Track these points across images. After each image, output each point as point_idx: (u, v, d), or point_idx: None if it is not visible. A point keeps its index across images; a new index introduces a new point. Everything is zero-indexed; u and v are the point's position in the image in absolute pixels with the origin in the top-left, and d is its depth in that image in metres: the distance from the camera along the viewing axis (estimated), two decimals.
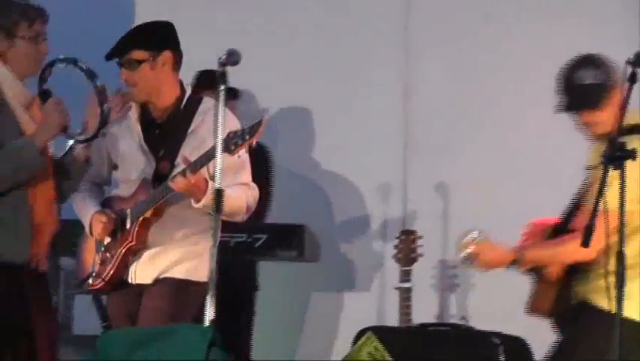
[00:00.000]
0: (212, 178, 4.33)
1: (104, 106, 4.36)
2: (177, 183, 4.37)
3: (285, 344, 6.19)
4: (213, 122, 4.41)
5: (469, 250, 4.22)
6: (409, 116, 6.26)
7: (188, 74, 5.45)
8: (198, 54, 5.45)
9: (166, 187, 4.49)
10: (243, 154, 4.57)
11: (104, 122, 4.34)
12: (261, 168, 5.50)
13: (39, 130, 4.17)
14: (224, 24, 6.68)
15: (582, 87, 4.34)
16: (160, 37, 4.91)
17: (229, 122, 4.52)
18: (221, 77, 4.26)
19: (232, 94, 5.29)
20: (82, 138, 4.35)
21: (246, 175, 4.65)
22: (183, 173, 4.35)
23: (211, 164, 4.40)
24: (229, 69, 4.29)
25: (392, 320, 5.14)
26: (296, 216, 5.87)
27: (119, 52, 4.73)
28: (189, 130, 4.66)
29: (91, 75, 4.33)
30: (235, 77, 4.57)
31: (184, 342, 3.69)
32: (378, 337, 4.11)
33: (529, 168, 5.93)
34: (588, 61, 4.05)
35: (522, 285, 5.37)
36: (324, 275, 6.10)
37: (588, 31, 6.18)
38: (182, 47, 5.08)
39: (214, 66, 4.35)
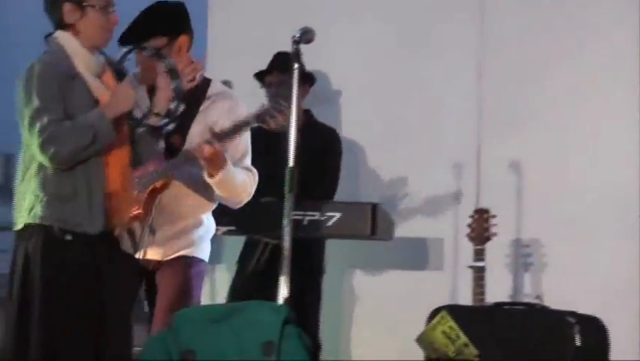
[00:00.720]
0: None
1: (177, 84, 4.37)
2: (203, 149, 4.37)
3: (357, 322, 6.17)
4: (228, 105, 4.65)
5: None
6: (483, 95, 6.22)
7: (265, 55, 5.64)
8: (273, 34, 5.49)
9: (185, 154, 4.50)
10: (248, 138, 4.68)
11: (179, 100, 4.35)
12: (331, 148, 5.59)
13: (110, 103, 4.21)
14: (298, 2, 6.60)
15: None
16: (178, 22, 4.93)
17: (240, 109, 4.66)
18: (295, 55, 4.27)
19: (308, 78, 5.39)
20: (164, 121, 4.36)
21: (249, 160, 4.69)
22: (208, 142, 4.39)
23: (231, 144, 4.53)
24: (302, 47, 4.29)
25: (465, 299, 5.14)
26: (369, 195, 5.87)
27: (137, 38, 4.75)
28: (200, 109, 4.68)
29: (161, 56, 4.40)
30: (309, 56, 4.53)
31: (257, 319, 3.72)
32: (453, 316, 4.04)
33: (602, 145, 5.87)
34: None
35: (596, 264, 5.53)
36: (396, 254, 6.05)
37: None
38: (263, 28, 5.11)
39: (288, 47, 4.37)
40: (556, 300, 4.52)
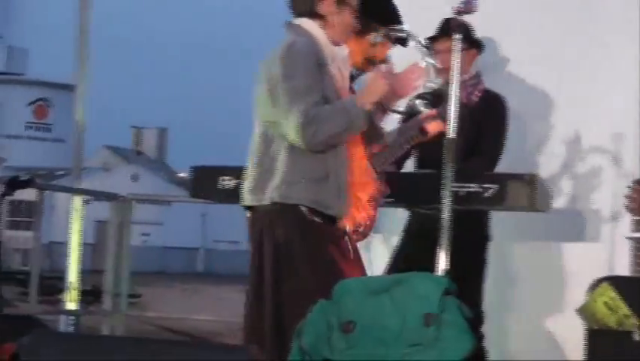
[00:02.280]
0: None
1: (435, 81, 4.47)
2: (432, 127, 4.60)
3: (515, 294, 6.20)
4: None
5: None
6: None
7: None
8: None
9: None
10: None
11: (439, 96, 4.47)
12: (498, 114, 5.57)
13: (362, 92, 4.31)
14: None
15: None
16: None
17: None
18: (456, 26, 4.35)
19: (476, 45, 5.50)
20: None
21: None
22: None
23: None
24: (465, 18, 4.36)
25: (623, 270, 5.02)
26: (527, 166, 5.80)
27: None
28: None
29: (415, 39, 4.48)
30: (479, 22, 4.96)
31: (417, 290, 3.69)
32: (614, 287, 4.09)
33: None
34: None
35: None
36: (555, 225, 6.00)
37: None
38: None
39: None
40: None
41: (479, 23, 5.27)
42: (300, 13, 4.36)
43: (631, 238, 4.98)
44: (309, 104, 4.12)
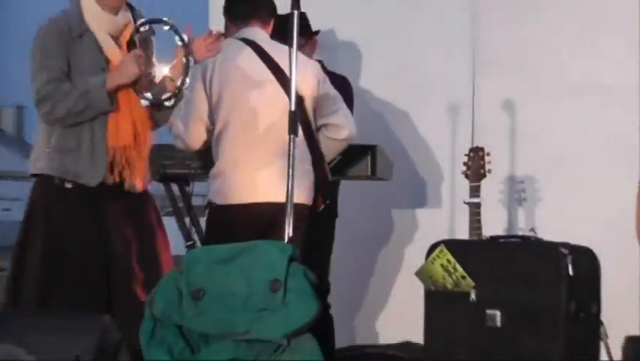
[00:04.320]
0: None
1: (189, 58, 4.43)
2: None
3: (361, 259, 6.13)
4: None
5: None
6: (477, 39, 6.18)
7: None
8: None
9: None
10: None
11: (186, 74, 4.46)
12: (344, 93, 5.40)
13: (113, 74, 4.27)
14: None
15: None
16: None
17: None
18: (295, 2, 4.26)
19: (312, 32, 5.46)
20: (168, 98, 4.50)
21: None
22: None
23: None
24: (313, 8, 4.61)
25: (463, 234, 5.16)
26: (369, 137, 5.63)
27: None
28: None
29: (177, 31, 4.43)
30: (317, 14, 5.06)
31: (264, 258, 3.73)
32: (450, 250, 4.12)
33: (591, 90, 5.78)
34: None
35: (588, 198, 5.56)
36: (396, 193, 5.98)
37: None
38: None
39: None
40: (549, 233, 4.53)
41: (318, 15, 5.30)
42: None
43: (468, 203, 5.09)
44: (41, 82, 4.21)
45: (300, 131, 4.51)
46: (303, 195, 4.66)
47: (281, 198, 4.35)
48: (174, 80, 4.56)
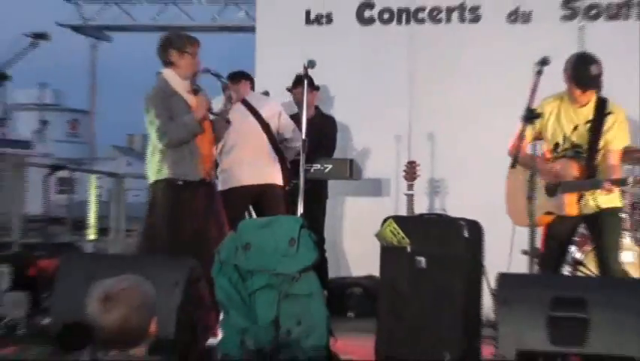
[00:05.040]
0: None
1: (228, 94, 4.47)
2: None
3: (343, 225, 6.27)
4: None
5: None
6: (412, 93, 6.02)
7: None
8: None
9: None
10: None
11: (228, 103, 4.49)
12: (331, 127, 5.59)
13: (195, 111, 4.28)
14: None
15: (594, 75, 4.00)
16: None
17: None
18: (305, 75, 4.55)
19: (316, 88, 5.34)
20: (217, 114, 4.48)
21: None
22: None
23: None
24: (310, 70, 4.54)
25: (403, 212, 5.22)
26: (348, 153, 5.92)
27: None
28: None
29: (220, 77, 4.46)
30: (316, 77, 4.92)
31: (285, 225, 3.84)
32: (395, 221, 4.04)
33: (483, 128, 5.64)
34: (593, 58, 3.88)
35: (476, 191, 5.47)
36: (363, 188, 6.04)
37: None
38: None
39: None
40: (453, 212, 4.51)
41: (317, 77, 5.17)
42: (162, 62, 4.35)
43: (406, 194, 5.21)
44: (160, 125, 4.19)
45: (267, 139, 4.98)
46: (277, 178, 4.99)
47: (258, 181, 4.96)
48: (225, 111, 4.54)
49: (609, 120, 4.03)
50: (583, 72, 4.02)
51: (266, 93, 5.47)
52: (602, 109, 4.05)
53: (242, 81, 5.16)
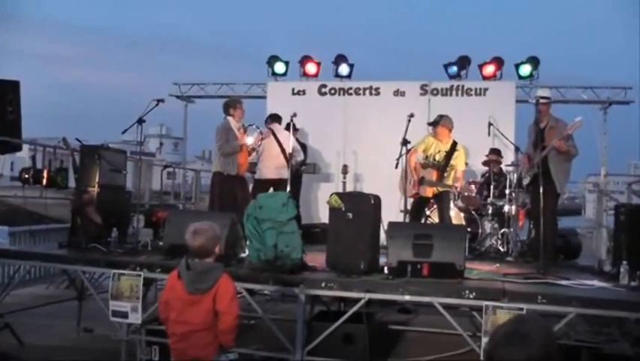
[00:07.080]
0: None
1: (259, 133, 6.00)
2: None
3: (311, 196, 8.41)
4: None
5: None
6: (346, 128, 8.18)
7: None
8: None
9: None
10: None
11: (259, 141, 6.06)
12: (305, 150, 7.47)
13: (240, 140, 5.72)
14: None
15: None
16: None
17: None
18: (291, 120, 6.35)
19: (295, 128, 6.82)
20: (251, 146, 6.03)
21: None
22: None
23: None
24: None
25: (341, 190, 6.68)
26: (313, 160, 8.03)
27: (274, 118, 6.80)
28: None
29: (258, 127, 6.07)
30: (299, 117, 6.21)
31: (280, 197, 5.05)
32: (338, 195, 4.86)
33: (387, 145, 6.86)
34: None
35: (378, 177, 7.03)
36: (321, 178, 8.45)
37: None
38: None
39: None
40: (367, 190, 5.27)
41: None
42: (225, 113, 5.43)
43: (343, 182, 7.07)
44: (220, 143, 5.37)
45: (282, 154, 6.34)
46: (285, 175, 6.46)
47: (275, 176, 6.60)
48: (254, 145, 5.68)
49: (456, 152, 6.36)
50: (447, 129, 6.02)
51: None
52: (454, 146, 6.32)
53: (274, 119, 6.92)
